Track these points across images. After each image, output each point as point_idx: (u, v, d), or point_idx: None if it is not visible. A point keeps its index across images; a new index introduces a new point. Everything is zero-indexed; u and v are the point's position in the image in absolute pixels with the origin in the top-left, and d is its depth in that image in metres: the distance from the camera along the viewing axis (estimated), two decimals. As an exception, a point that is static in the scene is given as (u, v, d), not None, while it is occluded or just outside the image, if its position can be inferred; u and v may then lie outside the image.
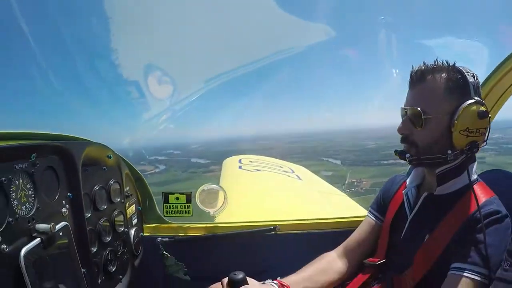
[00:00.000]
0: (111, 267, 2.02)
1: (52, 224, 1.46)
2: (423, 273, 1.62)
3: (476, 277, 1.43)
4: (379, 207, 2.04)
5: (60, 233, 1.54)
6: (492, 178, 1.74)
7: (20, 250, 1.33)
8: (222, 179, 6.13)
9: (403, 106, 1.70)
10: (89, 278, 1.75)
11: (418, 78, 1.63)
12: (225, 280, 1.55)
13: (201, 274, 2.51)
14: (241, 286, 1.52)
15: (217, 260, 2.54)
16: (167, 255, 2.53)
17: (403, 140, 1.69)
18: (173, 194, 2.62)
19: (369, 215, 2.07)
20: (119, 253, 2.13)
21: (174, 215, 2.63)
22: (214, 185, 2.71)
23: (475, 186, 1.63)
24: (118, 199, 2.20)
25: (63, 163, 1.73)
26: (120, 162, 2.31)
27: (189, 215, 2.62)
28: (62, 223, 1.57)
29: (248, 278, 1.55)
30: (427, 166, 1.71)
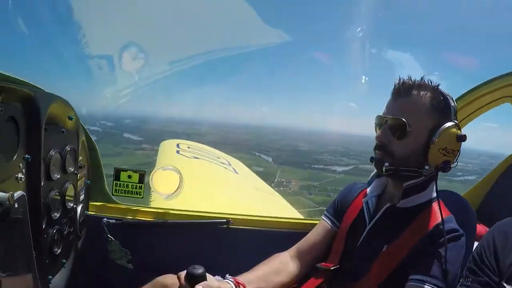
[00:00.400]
0: (56, 249, 1.76)
1: (10, 193, 1.22)
2: (379, 282, 1.65)
3: None
4: (336, 212, 2.04)
5: (16, 205, 1.28)
6: (442, 198, 1.79)
7: None
8: (158, 162, 6.00)
9: (381, 115, 1.71)
10: (37, 262, 1.50)
11: (405, 91, 1.67)
12: (183, 273, 1.49)
13: (146, 263, 2.36)
14: (200, 281, 1.45)
15: (164, 250, 2.42)
16: (111, 238, 2.33)
17: (379, 148, 1.70)
18: (126, 171, 2.41)
19: (324, 219, 2.06)
20: (65, 232, 1.88)
21: (123, 194, 2.42)
22: (170, 167, 2.55)
23: (436, 203, 1.70)
24: (72, 169, 1.92)
25: (27, 115, 1.45)
26: (79, 126, 2.05)
27: (140, 196, 2.43)
28: (19, 193, 1.32)
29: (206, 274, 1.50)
30: (399, 178, 1.73)
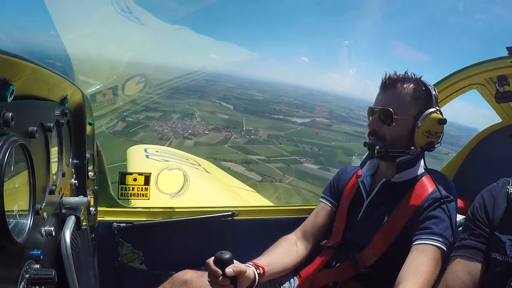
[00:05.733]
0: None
1: (89, 196, 1.19)
2: (383, 249, 1.85)
3: (438, 244, 1.71)
4: (333, 194, 2.21)
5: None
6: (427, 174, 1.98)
7: (60, 233, 0.99)
8: (130, 167, 5.96)
9: (372, 106, 1.95)
10: None
11: (391, 84, 1.91)
12: (211, 259, 1.56)
13: (159, 262, 2.41)
14: (229, 265, 1.53)
15: (175, 247, 2.46)
16: (123, 242, 2.34)
17: (371, 134, 1.93)
18: (131, 174, 2.40)
19: (323, 201, 2.22)
20: (90, 238, 1.80)
21: (130, 197, 2.41)
22: (173, 166, 2.55)
23: (426, 177, 1.96)
24: (92, 174, 1.81)
25: (73, 115, 1.34)
26: (94, 131, 1.94)
27: (146, 198, 2.43)
28: (83, 198, 1.24)
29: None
30: (389, 158, 1.94)
